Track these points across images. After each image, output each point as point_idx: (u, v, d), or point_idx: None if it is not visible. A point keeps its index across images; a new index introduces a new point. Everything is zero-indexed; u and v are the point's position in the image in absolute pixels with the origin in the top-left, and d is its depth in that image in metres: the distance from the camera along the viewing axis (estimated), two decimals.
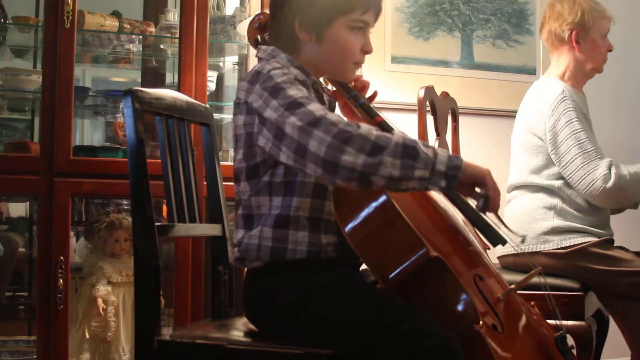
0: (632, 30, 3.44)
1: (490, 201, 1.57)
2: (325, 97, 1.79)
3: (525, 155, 2.56)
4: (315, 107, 1.51)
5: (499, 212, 1.67)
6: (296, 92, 1.56)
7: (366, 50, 1.73)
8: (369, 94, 1.86)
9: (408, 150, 1.47)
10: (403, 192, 1.55)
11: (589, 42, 2.60)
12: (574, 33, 2.59)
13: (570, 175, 2.45)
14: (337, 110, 1.86)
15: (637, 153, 3.50)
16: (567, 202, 2.47)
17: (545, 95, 2.53)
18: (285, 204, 1.64)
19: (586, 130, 2.45)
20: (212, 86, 2.93)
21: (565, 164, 2.45)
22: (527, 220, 2.50)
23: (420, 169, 1.48)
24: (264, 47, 1.76)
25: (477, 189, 1.59)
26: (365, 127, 1.49)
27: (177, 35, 2.63)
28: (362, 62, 1.75)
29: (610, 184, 2.39)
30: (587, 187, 2.41)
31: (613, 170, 2.40)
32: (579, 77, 2.64)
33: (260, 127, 1.60)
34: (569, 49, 2.61)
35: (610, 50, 2.64)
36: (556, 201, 2.48)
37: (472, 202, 1.64)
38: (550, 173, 2.50)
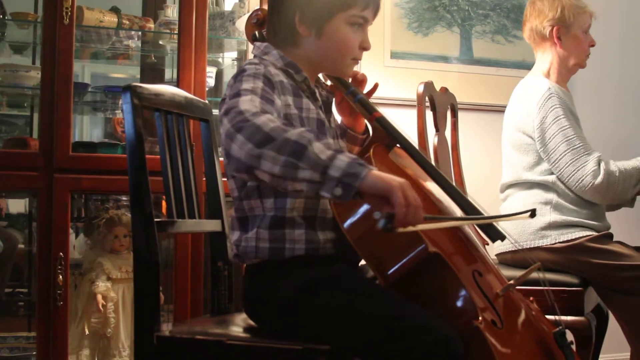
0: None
1: (395, 220, 1.38)
2: (321, 93, 1.78)
3: (517, 154, 2.57)
4: (246, 98, 1.49)
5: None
6: (248, 84, 1.55)
7: (364, 46, 1.73)
8: (368, 87, 1.86)
9: (295, 148, 1.38)
10: (294, 193, 1.51)
11: (570, 37, 2.61)
12: (555, 29, 2.60)
13: (560, 172, 2.46)
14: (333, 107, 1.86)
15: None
16: (562, 197, 2.48)
17: (531, 93, 2.54)
18: (279, 205, 1.64)
19: (574, 127, 2.46)
20: (211, 82, 2.93)
21: (555, 160, 2.46)
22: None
23: (306, 169, 1.38)
24: (258, 43, 1.76)
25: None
26: (266, 117, 1.43)
27: (176, 31, 2.63)
28: (359, 58, 1.75)
29: (599, 179, 2.41)
30: (577, 183, 2.43)
31: (602, 166, 2.42)
32: (562, 73, 2.65)
33: None
34: (551, 45, 2.63)
35: (592, 45, 2.65)
36: (552, 196, 2.49)
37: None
38: (543, 169, 2.51)
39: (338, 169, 1.38)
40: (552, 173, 2.49)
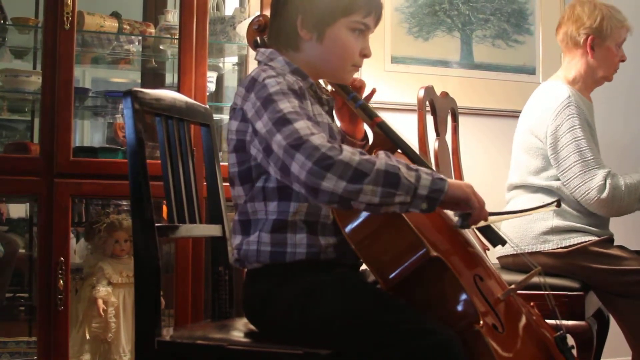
0: None
1: (470, 219, 1.60)
2: (324, 98, 1.79)
3: (526, 156, 2.56)
4: (302, 125, 1.51)
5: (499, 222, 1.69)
6: (286, 105, 1.56)
7: (365, 53, 1.73)
8: (366, 92, 1.86)
9: (389, 178, 1.47)
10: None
11: (603, 49, 2.57)
12: (589, 38, 2.56)
13: (567, 182, 2.45)
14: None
15: (629, 147, 3.53)
16: (566, 202, 2.47)
17: (550, 98, 2.51)
18: (282, 209, 1.64)
19: (587, 139, 2.44)
20: (211, 87, 2.93)
21: (564, 169, 2.45)
22: (526, 220, 2.50)
23: (401, 195, 1.48)
24: (262, 49, 1.76)
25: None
26: (348, 153, 1.48)
27: (177, 36, 2.64)
28: (360, 65, 1.76)
29: (604, 194, 2.39)
30: (583, 195, 2.42)
31: (608, 181, 2.40)
32: (588, 83, 2.62)
33: (252, 137, 1.61)
34: (582, 54, 2.59)
35: (623, 61, 2.62)
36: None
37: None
38: (549, 175, 2.50)
39: (425, 187, 1.50)
40: (557, 179, 2.48)
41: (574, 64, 2.62)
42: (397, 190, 1.47)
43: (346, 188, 1.46)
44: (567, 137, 2.44)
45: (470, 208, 1.57)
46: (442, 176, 1.53)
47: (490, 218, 1.65)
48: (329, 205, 1.53)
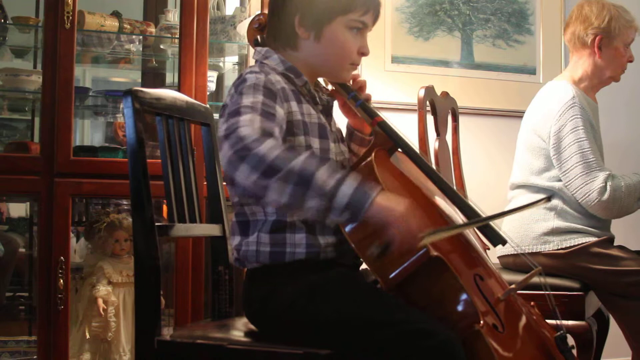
0: None
1: (390, 252, 1.47)
2: (321, 97, 1.78)
3: (528, 156, 2.56)
4: (246, 118, 1.50)
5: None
6: (248, 99, 1.55)
7: (363, 51, 1.73)
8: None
9: (301, 178, 1.42)
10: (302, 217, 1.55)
11: (611, 49, 2.57)
12: (597, 38, 2.56)
13: (569, 183, 2.45)
14: (336, 109, 1.85)
15: (632, 147, 3.54)
16: (567, 203, 2.47)
17: (555, 98, 2.51)
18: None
19: (590, 140, 2.44)
20: (212, 86, 2.93)
21: (566, 170, 2.45)
22: (527, 220, 2.50)
23: (314, 199, 1.42)
24: (258, 48, 1.77)
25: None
26: (268, 146, 1.44)
27: (177, 36, 2.64)
28: (358, 63, 1.75)
29: (605, 197, 2.39)
30: (584, 197, 2.42)
31: (609, 182, 2.40)
32: (594, 83, 2.62)
33: None
34: (589, 54, 2.59)
35: (631, 61, 2.62)
36: (557, 202, 2.48)
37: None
38: (551, 175, 2.50)
39: (345, 196, 1.42)
40: (559, 180, 2.48)
41: (581, 64, 2.62)
42: (307, 191, 1.42)
43: (256, 182, 1.43)
44: (570, 138, 2.43)
45: (391, 240, 1.45)
46: (371, 191, 1.44)
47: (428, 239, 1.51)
48: (245, 199, 1.49)
